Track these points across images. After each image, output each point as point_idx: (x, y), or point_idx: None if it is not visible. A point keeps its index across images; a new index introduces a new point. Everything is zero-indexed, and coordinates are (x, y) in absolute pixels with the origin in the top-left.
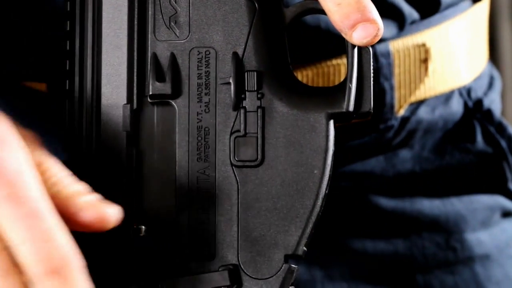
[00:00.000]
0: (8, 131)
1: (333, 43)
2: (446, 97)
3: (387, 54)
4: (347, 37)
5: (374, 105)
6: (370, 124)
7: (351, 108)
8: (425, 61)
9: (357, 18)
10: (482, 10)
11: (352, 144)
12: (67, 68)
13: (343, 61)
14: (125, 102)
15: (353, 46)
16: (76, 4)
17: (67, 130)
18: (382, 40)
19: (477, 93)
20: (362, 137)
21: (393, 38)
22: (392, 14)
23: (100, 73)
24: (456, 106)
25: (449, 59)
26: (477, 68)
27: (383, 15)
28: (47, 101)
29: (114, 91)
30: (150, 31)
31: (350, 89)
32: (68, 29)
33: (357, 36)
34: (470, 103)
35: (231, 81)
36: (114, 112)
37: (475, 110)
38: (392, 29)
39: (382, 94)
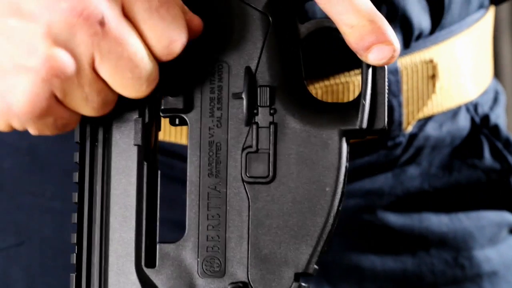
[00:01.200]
0: None
1: (343, 59)
2: (453, 113)
3: (395, 71)
4: (362, 58)
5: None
6: (379, 141)
7: (364, 125)
8: (432, 77)
9: (372, 40)
10: (487, 24)
11: (360, 161)
12: None
13: (352, 78)
14: (137, 116)
15: (366, 63)
16: None
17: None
18: None
19: (484, 108)
20: (370, 154)
21: (401, 55)
22: (401, 25)
23: None
24: (463, 122)
25: (456, 75)
26: (483, 83)
27: (393, 26)
28: None
29: (126, 105)
30: None
31: (363, 105)
32: None
33: (373, 58)
34: (477, 119)
35: (243, 96)
36: (126, 126)
37: (482, 126)
38: (400, 43)
39: (390, 111)
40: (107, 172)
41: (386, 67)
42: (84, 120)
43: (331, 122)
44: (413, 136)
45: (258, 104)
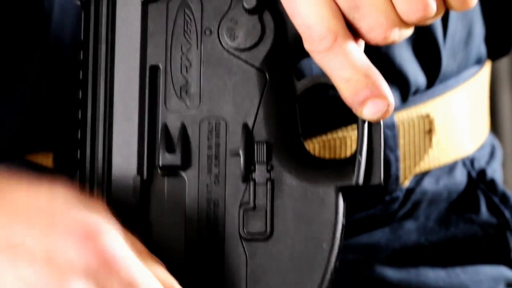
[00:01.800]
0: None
1: (340, 115)
2: (450, 168)
3: (392, 126)
4: (357, 113)
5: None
6: (376, 196)
7: (360, 181)
8: (429, 132)
9: (366, 94)
10: (483, 79)
11: (358, 216)
12: (79, 137)
13: (349, 133)
14: (135, 173)
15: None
16: (88, 75)
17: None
18: None
19: (480, 163)
20: (367, 209)
21: (398, 109)
22: (398, 81)
23: (111, 144)
24: (460, 177)
25: (452, 130)
26: (479, 138)
27: (388, 82)
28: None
29: (124, 162)
30: (161, 101)
31: (360, 162)
32: (80, 98)
33: (367, 112)
34: (473, 173)
35: (240, 153)
36: (124, 183)
37: (479, 180)
38: (397, 99)
39: (387, 165)
40: None
41: (382, 122)
42: (83, 176)
43: (328, 178)
44: (410, 191)
45: (255, 160)
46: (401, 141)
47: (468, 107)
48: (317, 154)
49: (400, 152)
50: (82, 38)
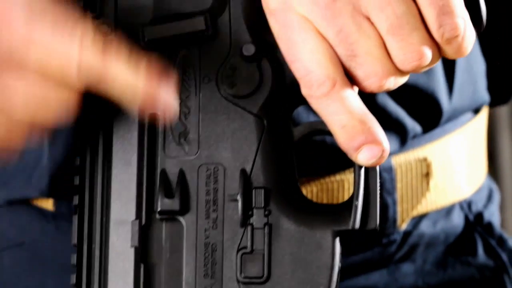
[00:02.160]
0: None
1: (338, 159)
2: (447, 211)
3: (390, 169)
4: (352, 158)
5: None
6: (373, 238)
7: (357, 226)
8: (426, 175)
9: (361, 140)
10: (481, 123)
11: (355, 258)
12: (77, 183)
13: (347, 176)
14: (134, 218)
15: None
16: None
17: (76, 245)
18: None
19: (478, 206)
20: (365, 251)
21: (395, 153)
22: (395, 129)
23: (110, 189)
24: (457, 220)
25: (450, 173)
26: (477, 181)
27: (386, 129)
28: (54, 219)
29: (123, 207)
30: (160, 147)
31: (356, 207)
32: (79, 144)
33: (362, 158)
34: (471, 216)
35: (238, 198)
36: (123, 228)
37: (476, 224)
38: (395, 144)
39: (384, 208)
40: (104, 274)
41: (378, 168)
42: (81, 221)
43: (324, 223)
44: (407, 234)
45: (253, 205)
46: (398, 185)
47: (466, 150)
48: (315, 196)
49: (398, 195)
50: None
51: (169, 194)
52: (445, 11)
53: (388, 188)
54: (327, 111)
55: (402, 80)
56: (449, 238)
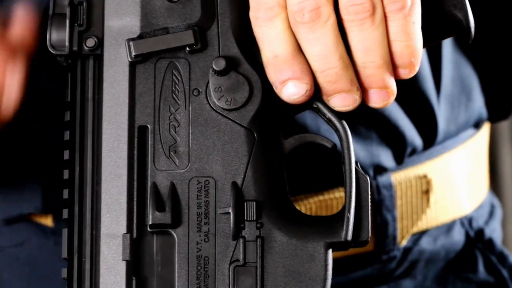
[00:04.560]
0: None
1: (335, 175)
2: (448, 227)
3: (389, 186)
4: (277, 92)
5: (377, 237)
6: (373, 255)
7: (349, 237)
8: (426, 192)
9: (289, 74)
10: (482, 140)
11: (355, 274)
12: (67, 196)
13: None
14: (125, 231)
15: (351, 175)
16: (75, 133)
17: (67, 258)
18: (384, 172)
19: (478, 222)
20: (365, 267)
21: (395, 170)
22: (394, 139)
23: (100, 202)
24: (458, 236)
25: (450, 190)
26: (478, 198)
27: (386, 143)
28: (53, 235)
29: (114, 220)
30: (150, 160)
31: (348, 218)
32: (67, 158)
33: (286, 92)
34: (471, 233)
35: (230, 211)
36: (114, 241)
37: (477, 240)
38: (391, 158)
39: (384, 225)
40: (95, 287)
41: (368, 179)
42: (71, 235)
43: (317, 235)
44: (407, 250)
45: (245, 218)
46: (398, 202)
47: (467, 167)
48: (314, 214)
49: (398, 212)
50: (68, 99)
51: (160, 207)
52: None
53: (388, 205)
54: (265, 36)
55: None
56: (450, 254)
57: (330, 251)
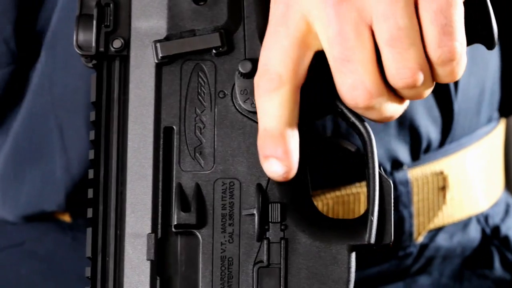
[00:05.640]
0: None
1: (353, 170)
2: (464, 224)
3: (406, 182)
4: (260, 162)
5: (394, 233)
6: (389, 251)
7: (372, 240)
8: (443, 189)
9: (272, 151)
10: (498, 137)
11: (371, 271)
12: (91, 196)
13: (363, 189)
14: (150, 231)
15: (374, 179)
16: (101, 133)
17: (91, 258)
18: (401, 168)
19: (494, 219)
20: (381, 264)
21: (411, 166)
22: (409, 134)
23: (125, 202)
24: (474, 233)
25: (466, 187)
26: (494, 195)
27: (402, 137)
28: (71, 230)
29: (138, 220)
30: (175, 161)
31: (372, 222)
32: (92, 157)
33: (266, 168)
34: (487, 230)
35: (255, 212)
36: (139, 241)
37: (493, 237)
38: (407, 153)
39: (401, 221)
40: (119, 287)
41: (391, 183)
42: (95, 234)
43: (340, 237)
44: (424, 247)
45: (270, 220)
46: (415, 198)
47: (482, 164)
48: (331, 210)
49: (414, 209)
50: (94, 99)
51: (185, 208)
52: (446, 31)
53: (404, 201)
54: (261, 106)
55: (393, 105)
56: (466, 251)
57: (353, 254)
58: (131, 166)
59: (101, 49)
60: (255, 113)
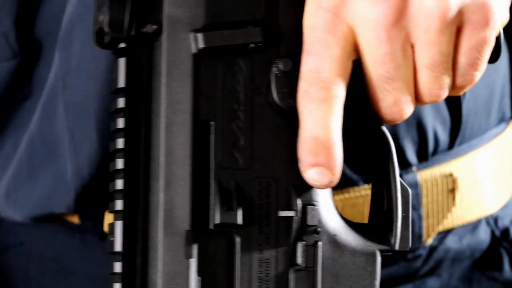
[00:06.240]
0: None
1: (363, 172)
2: (473, 226)
3: (415, 184)
4: (300, 169)
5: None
6: (399, 253)
7: (397, 247)
8: (452, 191)
9: (321, 160)
10: (508, 139)
11: (381, 273)
12: (121, 188)
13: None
14: (188, 229)
15: (396, 187)
16: (129, 121)
17: (124, 256)
18: (410, 170)
19: (504, 221)
20: (391, 266)
21: (421, 168)
22: (417, 132)
23: (156, 197)
24: (483, 235)
25: (476, 189)
26: (503, 197)
27: (410, 137)
28: (79, 232)
29: (177, 218)
30: (213, 158)
31: (397, 228)
32: (123, 147)
33: (311, 175)
34: (497, 232)
35: (292, 214)
36: (177, 240)
37: (502, 239)
38: (418, 153)
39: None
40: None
41: (410, 192)
42: (129, 228)
43: (369, 242)
44: (433, 249)
45: (306, 222)
46: (424, 200)
47: (492, 166)
48: (341, 212)
49: (424, 211)
50: (123, 85)
51: (225, 207)
52: (474, 64)
53: (413, 203)
54: (310, 114)
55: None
56: (475, 253)
57: (379, 259)
58: (167, 161)
59: (133, 32)
60: (291, 112)
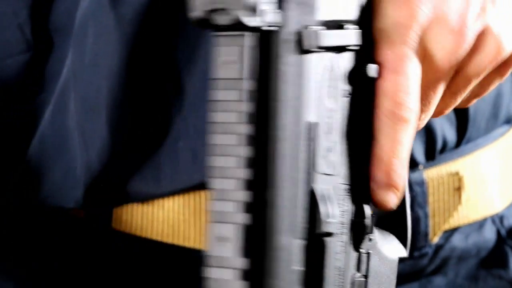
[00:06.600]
0: None
1: None
2: (479, 225)
3: (422, 183)
4: (372, 189)
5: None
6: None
7: (408, 253)
8: (458, 189)
9: (398, 182)
10: None
11: None
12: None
13: None
14: (298, 238)
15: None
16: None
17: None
18: (416, 169)
19: (510, 220)
20: None
21: (427, 167)
22: (426, 135)
23: (272, 202)
24: (489, 234)
25: (481, 188)
26: (509, 196)
27: (417, 136)
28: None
29: (286, 226)
30: (311, 162)
31: (409, 236)
32: (254, 134)
33: (384, 197)
34: (503, 231)
35: (360, 222)
36: (285, 248)
37: (508, 238)
38: (425, 152)
39: (416, 222)
40: None
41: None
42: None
43: (393, 251)
44: (439, 247)
45: (366, 231)
46: (430, 198)
47: (498, 165)
48: None
49: (430, 209)
50: (248, 75)
51: (327, 214)
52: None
53: (420, 202)
54: (395, 134)
55: None
56: (481, 252)
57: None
58: (282, 166)
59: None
60: (368, 119)
